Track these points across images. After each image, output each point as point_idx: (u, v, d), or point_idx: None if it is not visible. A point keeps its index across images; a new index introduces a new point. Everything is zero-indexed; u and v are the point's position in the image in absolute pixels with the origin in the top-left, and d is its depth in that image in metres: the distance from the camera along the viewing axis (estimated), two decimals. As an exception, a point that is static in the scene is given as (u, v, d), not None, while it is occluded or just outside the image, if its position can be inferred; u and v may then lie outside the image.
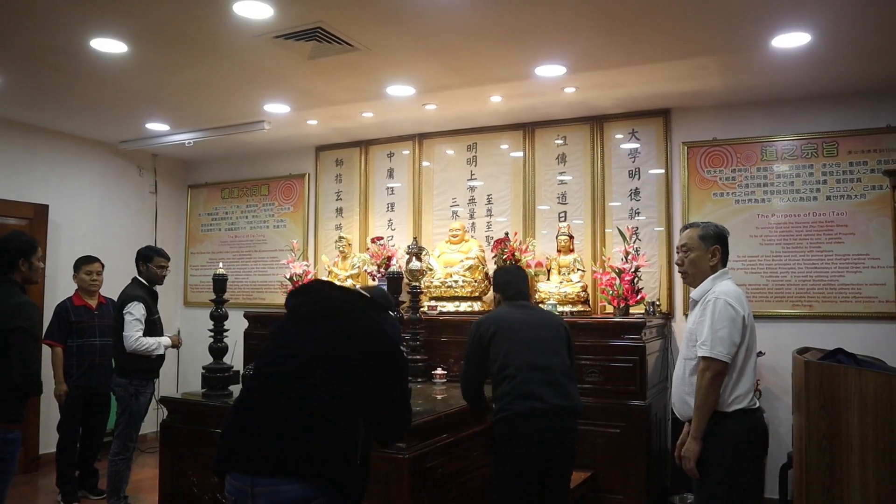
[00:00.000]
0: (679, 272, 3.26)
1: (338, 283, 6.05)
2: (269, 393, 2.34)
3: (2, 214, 6.03)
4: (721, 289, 2.98)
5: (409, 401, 2.54)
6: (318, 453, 2.22)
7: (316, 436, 2.23)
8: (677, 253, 3.23)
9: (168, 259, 5.08)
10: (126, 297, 4.81)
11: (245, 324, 6.22)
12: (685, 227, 3.24)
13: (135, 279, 4.95)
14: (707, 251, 3.09)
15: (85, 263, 5.28)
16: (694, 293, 3.11)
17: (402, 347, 2.63)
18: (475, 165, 6.24)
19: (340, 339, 2.40)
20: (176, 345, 5.07)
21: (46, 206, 6.35)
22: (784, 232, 5.18)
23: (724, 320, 2.88)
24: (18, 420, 3.35)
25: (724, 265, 3.12)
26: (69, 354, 5.12)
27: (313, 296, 2.55)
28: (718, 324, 2.89)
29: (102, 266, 5.36)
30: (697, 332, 2.96)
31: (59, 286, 6.11)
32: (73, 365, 5.12)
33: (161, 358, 4.92)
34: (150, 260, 4.95)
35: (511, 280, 3.68)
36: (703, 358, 2.89)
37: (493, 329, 3.41)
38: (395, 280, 3.67)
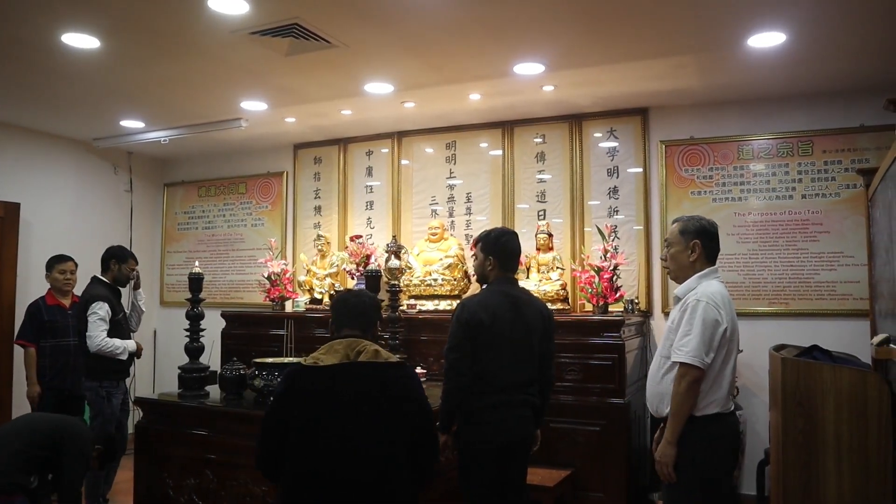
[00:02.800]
0: (663, 268, 3.20)
1: (316, 282, 6.03)
2: (330, 495, 2.43)
3: (-28, 213, 5.94)
4: (704, 289, 2.90)
5: (438, 443, 2.70)
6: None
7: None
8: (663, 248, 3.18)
9: (137, 262, 5.06)
10: (90, 297, 4.75)
11: (223, 323, 6.16)
12: (673, 222, 3.15)
13: (95, 278, 4.90)
14: (686, 246, 3.01)
15: (58, 263, 5.20)
16: (678, 290, 3.04)
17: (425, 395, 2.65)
18: (454, 164, 6.22)
19: (380, 423, 2.48)
20: (139, 352, 5.01)
21: (18, 205, 6.24)
22: (760, 230, 5.22)
23: (702, 324, 2.81)
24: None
25: (711, 262, 3.02)
26: (42, 355, 5.04)
27: (344, 379, 2.54)
28: (697, 328, 2.81)
29: (76, 265, 5.28)
30: (676, 333, 2.90)
31: (31, 286, 6.02)
32: (45, 366, 5.03)
33: (130, 358, 4.85)
34: (123, 261, 4.91)
35: (516, 251, 3.42)
36: (681, 364, 2.83)
37: (480, 319, 3.18)
38: (373, 278, 3.63)
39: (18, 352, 5.35)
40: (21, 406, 5.43)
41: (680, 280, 3.06)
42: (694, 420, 2.86)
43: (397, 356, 4.83)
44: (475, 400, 3.21)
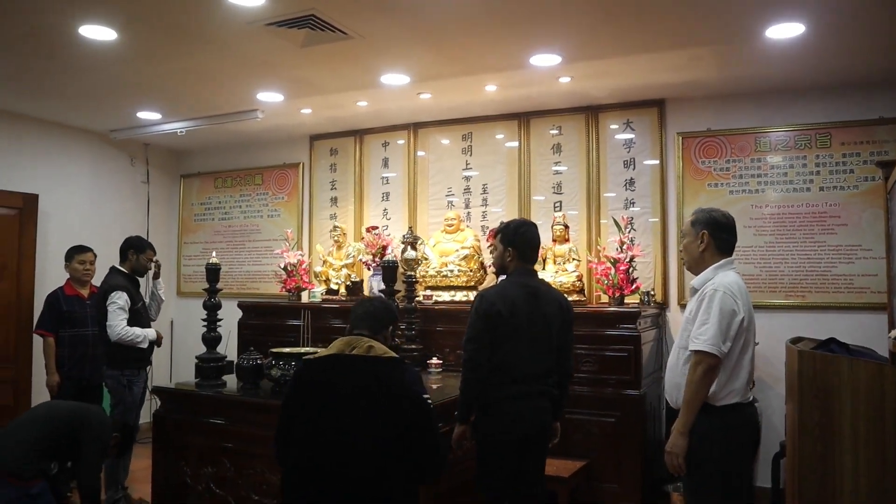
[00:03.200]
0: (680, 258, 3.20)
1: (333, 273, 6.06)
2: (328, 487, 2.51)
3: (-8, 204, 6.01)
4: (721, 280, 2.90)
5: (444, 446, 2.71)
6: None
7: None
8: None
9: (155, 251, 5.10)
10: (108, 287, 4.80)
11: (239, 313, 6.21)
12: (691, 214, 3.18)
13: (114, 268, 4.95)
14: (696, 237, 3.02)
15: (77, 253, 5.24)
16: (694, 281, 3.04)
17: (426, 396, 2.65)
18: (470, 155, 6.22)
19: (377, 419, 2.53)
20: (159, 341, 5.05)
21: (36, 196, 6.30)
22: (777, 223, 5.19)
23: (719, 313, 2.81)
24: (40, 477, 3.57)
25: (725, 253, 3.02)
26: (61, 344, 5.09)
27: (339, 372, 2.64)
28: (714, 317, 2.81)
29: (95, 256, 5.33)
30: (693, 324, 2.89)
31: (49, 276, 6.08)
32: (64, 355, 5.08)
33: (150, 347, 4.90)
34: (141, 251, 4.96)
35: (535, 242, 3.42)
36: (696, 352, 2.82)
37: (498, 310, 3.20)
38: (389, 269, 3.64)
39: (38, 341, 5.42)
40: (41, 394, 5.51)
41: (694, 271, 3.07)
42: (713, 410, 2.85)
43: (413, 347, 4.89)
44: (493, 391, 3.22)
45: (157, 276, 5.27)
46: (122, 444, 4.06)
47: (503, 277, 3.47)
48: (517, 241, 3.37)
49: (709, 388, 2.83)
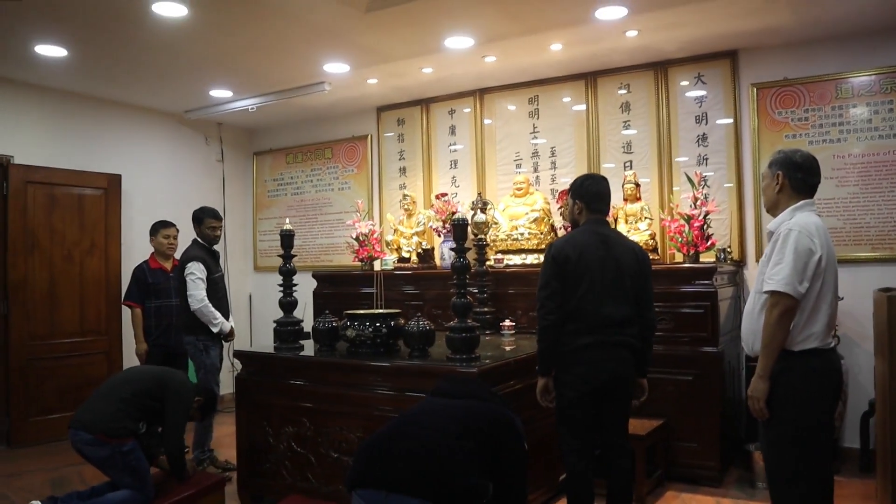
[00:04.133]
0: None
1: (404, 241, 6.12)
2: (404, 429, 2.58)
3: (79, 185, 6.28)
4: (798, 220, 2.80)
5: (526, 491, 2.76)
6: (447, 479, 2.41)
7: (445, 464, 2.43)
8: None
9: (219, 219, 5.16)
10: (185, 258, 4.98)
11: (314, 284, 6.35)
12: None
13: (194, 240, 5.11)
14: (773, 178, 2.93)
15: (163, 227, 5.46)
16: (770, 224, 2.94)
17: (525, 446, 2.72)
18: (537, 118, 6.16)
19: (475, 413, 2.64)
20: (231, 336, 5.14)
21: (119, 176, 6.57)
22: (862, 172, 4.96)
23: (794, 252, 2.71)
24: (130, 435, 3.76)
25: (804, 194, 2.91)
26: (147, 315, 5.32)
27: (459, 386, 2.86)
28: (789, 256, 2.71)
29: (178, 231, 5.52)
30: (767, 266, 2.81)
31: (133, 252, 6.35)
32: (151, 325, 5.32)
33: (220, 335, 5.01)
34: (200, 222, 5.09)
35: (601, 192, 3.40)
36: (772, 293, 2.73)
37: (566, 255, 3.21)
38: (459, 226, 3.63)
39: (126, 313, 5.67)
40: (131, 364, 5.75)
41: (773, 214, 2.98)
42: (791, 355, 2.76)
43: (486, 310, 4.90)
44: (569, 340, 3.21)
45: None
46: (204, 407, 4.21)
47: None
48: (583, 193, 3.39)
49: (786, 331, 2.74)
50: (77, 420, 3.72)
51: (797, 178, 2.91)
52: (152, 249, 5.50)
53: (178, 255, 5.45)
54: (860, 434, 4.73)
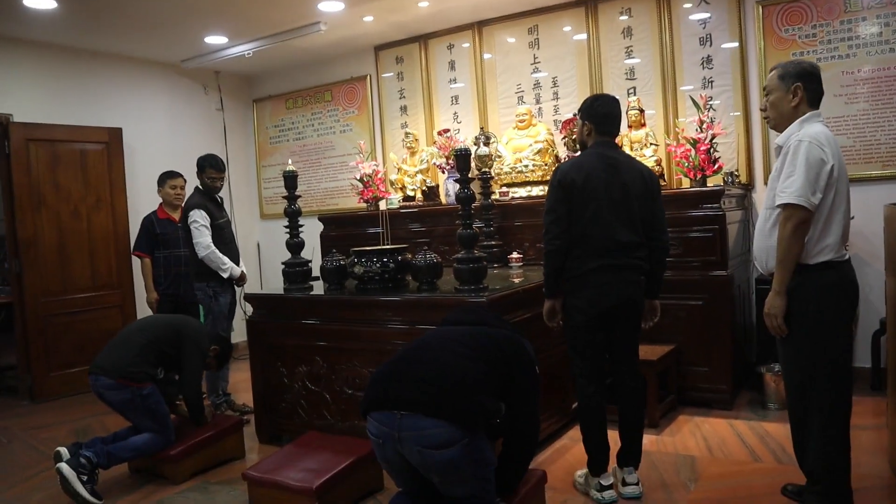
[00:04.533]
0: (764, 118, 3.00)
1: (408, 180, 6.09)
2: (416, 353, 2.62)
3: (81, 140, 6.25)
4: (807, 131, 2.73)
5: (538, 415, 2.86)
6: (461, 398, 2.44)
7: (458, 384, 2.46)
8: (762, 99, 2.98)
9: (220, 171, 5.07)
10: (187, 206, 4.96)
11: (320, 228, 6.35)
12: (772, 70, 2.96)
13: (196, 188, 5.07)
14: (788, 91, 2.82)
15: (170, 178, 5.44)
16: (778, 139, 2.86)
17: (536, 370, 2.79)
18: (538, 49, 6.04)
19: (485, 337, 2.70)
20: (243, 281, 5.13)
21: (120, 130, 6.52)
22: (872, 88, 4.86)
23: (806, 163, 2.65)
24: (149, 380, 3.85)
25: (814, 106, 2.83)
26: (157, 265, 5.35)
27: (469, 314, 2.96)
28: (801, 167, 2.65)
29: (185, 181, 5.50)
30: (778, 180, 2.75)
31: (140, 204, 6.33)
32: (160, 274, 5.35)
33: (230, 281, 5.01)
34: (202, 170, 5.03)
35: (611, 113, 3.31)
36: (785, 205, 2.68)
37: (572, 178, 3.16)
38: (462, 157, 3.58)
39: (137, 265, 5.72)
40: (143, 312, 5.84)
41: (781, 129, 2.88)
42: (806, 269, 2.73)
43: (493, 243, 4.90)
44: (577, 264, 3.20)
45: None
46: (221, 356, 4.26)
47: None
48: (592, 114, 3.31)
49: (801, 244, 2.70)
50: (97, 366, 3.79)
51: (813, 89, 2.83)
52: (160, 200, 5.49)
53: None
54: (871, 353, 4.74)
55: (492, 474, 2.58)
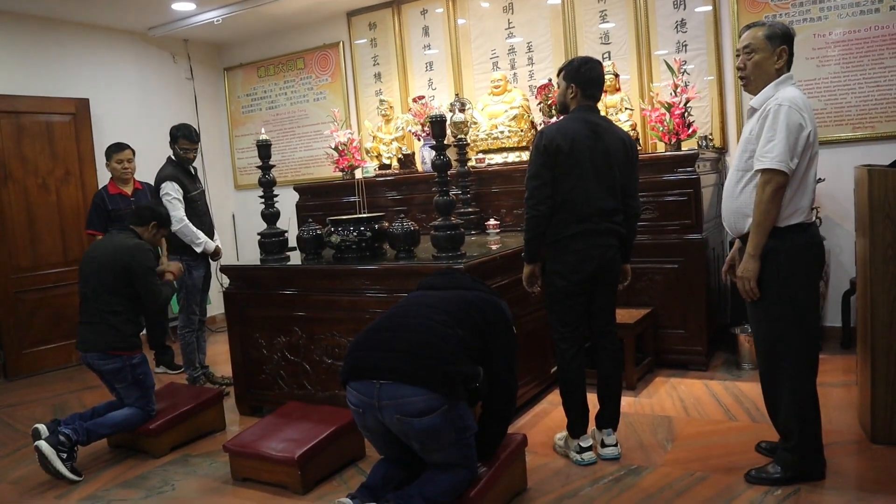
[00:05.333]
0: (739, 77, 2.92)
1: (384, 148, 6.04)
2: (393, 321, 2.63)
3: (46, 112, 6.11)
4: (785, 94, 2.74)
5: (516, 376, 2.84)
6: (439, 365, 2.45)
7: (436, 351, 2.48)
8: (737, 56, 2.95)
9: (193, 142, 4.95)
10: (158, 178, 4.87)
11: (296, 198, 6.30)
12: (747, 27, 2.92)
13: (168, 158, 4.96)
14: (773, 52, 2.81)
15: (115, 152, 5.24)
16: (754, 101, 2.87)
17: (513, 330, 2.79)
18: (512, 13, 5.99)
19: (461, 301, 2.71)
20: (218, 255, 5.04)
21: (87, 101, 6.39)
22: (843, 50, 4.88)
23: (786, 128, 2.66)
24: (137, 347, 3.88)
25: (789, 69, 2.85)
26: None
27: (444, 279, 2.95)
28: (781, 132, 2.66)
29: (133, 153, 5.32)
30: (756, 142, 2.76)
31: (108, 178, 6.21)
32: None
33: (205, 255, 4.94)
34: (175, 140, 4.92)
35: (598, 77, 3.29)
36: (764, 171, 2.70)
37: (558, 144, 3.14)
38: (437, 123, 3.56)
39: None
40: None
41: (756, 90, 2.88)
42: (776, 231, 2.77)
43: (470, 210, 4.90)
44: (559, 229, 3.21)
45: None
46: (160, 228, 4.11)
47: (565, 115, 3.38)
48: (580, 78, 3.26)
49: (779, 208, 2.73)
50: (83, 342, 3.80)
51: (791, 52, 2.84)
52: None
53: (148, 179, 5.32)
54: (842, 312, 4.83)
55: (472, 440, 2.61)
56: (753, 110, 2.85)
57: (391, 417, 2.46)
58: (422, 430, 2.44)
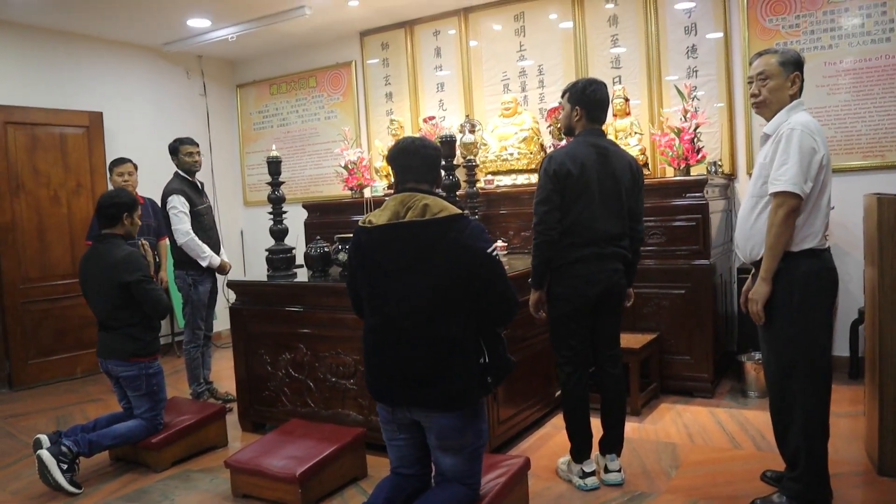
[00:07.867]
0: (753, 104, 2.91)
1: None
2: (395, 350, 2.52)
3: (60, 124, 6.17)
4: (797, 119, 2.74)
5: (513, 294, 2.55)
6: (450, 390, 2.46)
7: (443, 374, 2.45)
8: (750, 83, 2.94)
9: (195, 145, 4.96)
10: (165, 192, 4.87)
11: (305, 216, 6.32)
12: (759, 54, 2.93)
13: (175, 173, 4.97)
14: (787, 79, 2.82)
15: (116, 166, 5.30)
16: (767, 127, 2.87)
17: (491, 250, 2.48)
18: (524, 36, 6.03)
19: (436, 276, 2.42)
20: (225, 270, 5.01)
21: (101, 114, 6.45)
22: (854, 79, 4.89)
23: (799, 152, 2.66)
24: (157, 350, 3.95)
25: (800, 95, 2.86)
26: None
27: (396, 246, 2.49)
28: (794, 156, 2.66)
29: (135, 167, 5.37)
30: (770, 167, 2.75)
31: (122, 190, 6.27)
32: None
33: (211, 270, 4.92)
34: (176, 152, 4.93)
35: (604, 100, 3.28)
36: (777, 194, 2.69)
37: (568, 170, 3.13)
38: (447, 144, 3.58)
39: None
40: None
41: (769, 116, 2.88)
42: (788, 256, 2.75)
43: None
44: (566, 253, 3.20)
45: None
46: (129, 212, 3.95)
47: (572, 138, 3.37)
48: (585, 101, 3.25)
49: (791, 232, 2.72)
50: (103, 349, 3.84)
51: (803, 79, 2.87)
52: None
53: (149, 192, 5.33)
54: (849, 342, 4.80)
55: (481, 452, 2.64)
56: (767, 137, 2.85)
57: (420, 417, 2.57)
58: (445, 427, 2.52)
